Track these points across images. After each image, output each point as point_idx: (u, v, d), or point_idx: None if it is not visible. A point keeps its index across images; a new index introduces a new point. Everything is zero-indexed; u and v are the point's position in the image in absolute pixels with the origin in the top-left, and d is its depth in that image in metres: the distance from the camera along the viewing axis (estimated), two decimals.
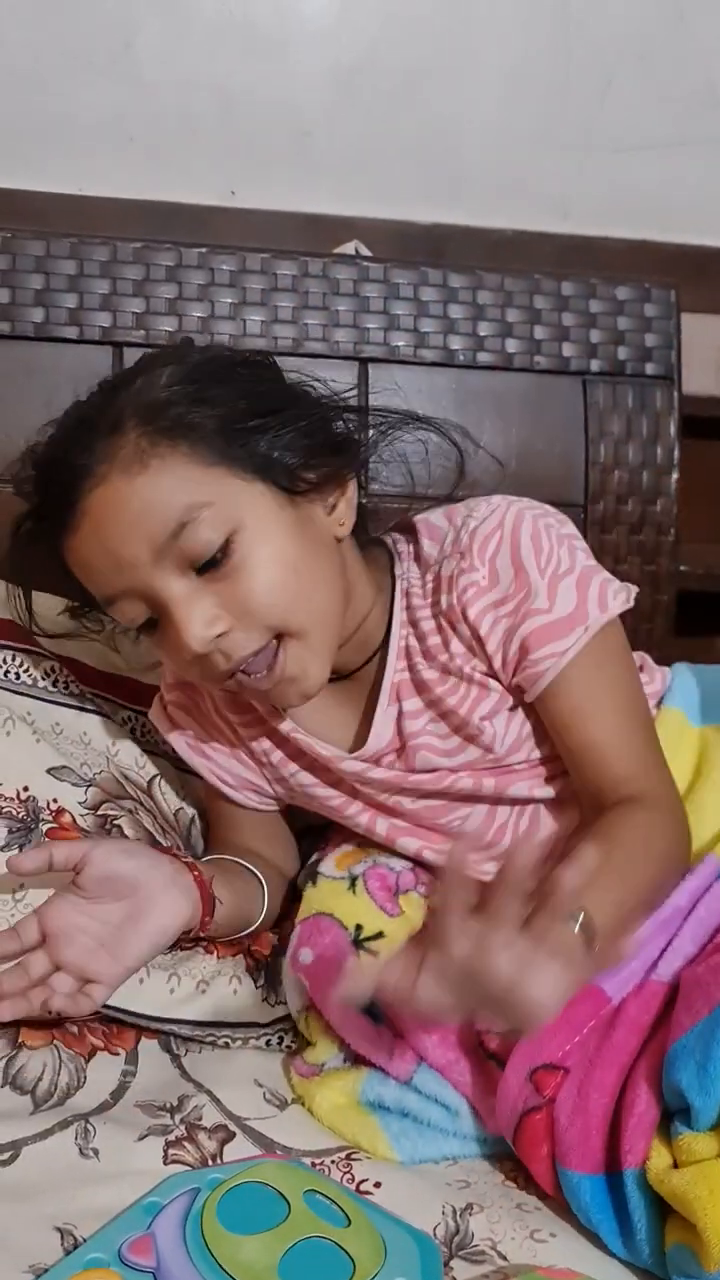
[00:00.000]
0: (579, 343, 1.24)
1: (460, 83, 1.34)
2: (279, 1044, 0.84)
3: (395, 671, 0.82)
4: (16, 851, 0.84)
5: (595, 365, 1.24)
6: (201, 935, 0.82)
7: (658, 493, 1.24)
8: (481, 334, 1.23)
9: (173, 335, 1.16)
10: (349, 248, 1.27)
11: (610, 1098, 0.67)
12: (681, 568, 1.26)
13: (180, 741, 0.92)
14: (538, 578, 0.77)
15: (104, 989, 0.73)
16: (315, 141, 1.33)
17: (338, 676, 0.84)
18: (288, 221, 1.32)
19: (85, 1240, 0.64)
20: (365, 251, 1.26)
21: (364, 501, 0.87)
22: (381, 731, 0.83)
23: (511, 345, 1.23)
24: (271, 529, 0.74)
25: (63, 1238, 0.64)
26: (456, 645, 0.80)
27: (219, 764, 0.91)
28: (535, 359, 1.23)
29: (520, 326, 1.23)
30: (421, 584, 0.82)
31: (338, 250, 1.27)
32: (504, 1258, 0.67)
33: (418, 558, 0.84)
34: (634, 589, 0.82)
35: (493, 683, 0.80)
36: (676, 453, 1.25)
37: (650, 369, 1.25)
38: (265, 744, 0.88)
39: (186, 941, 0.83)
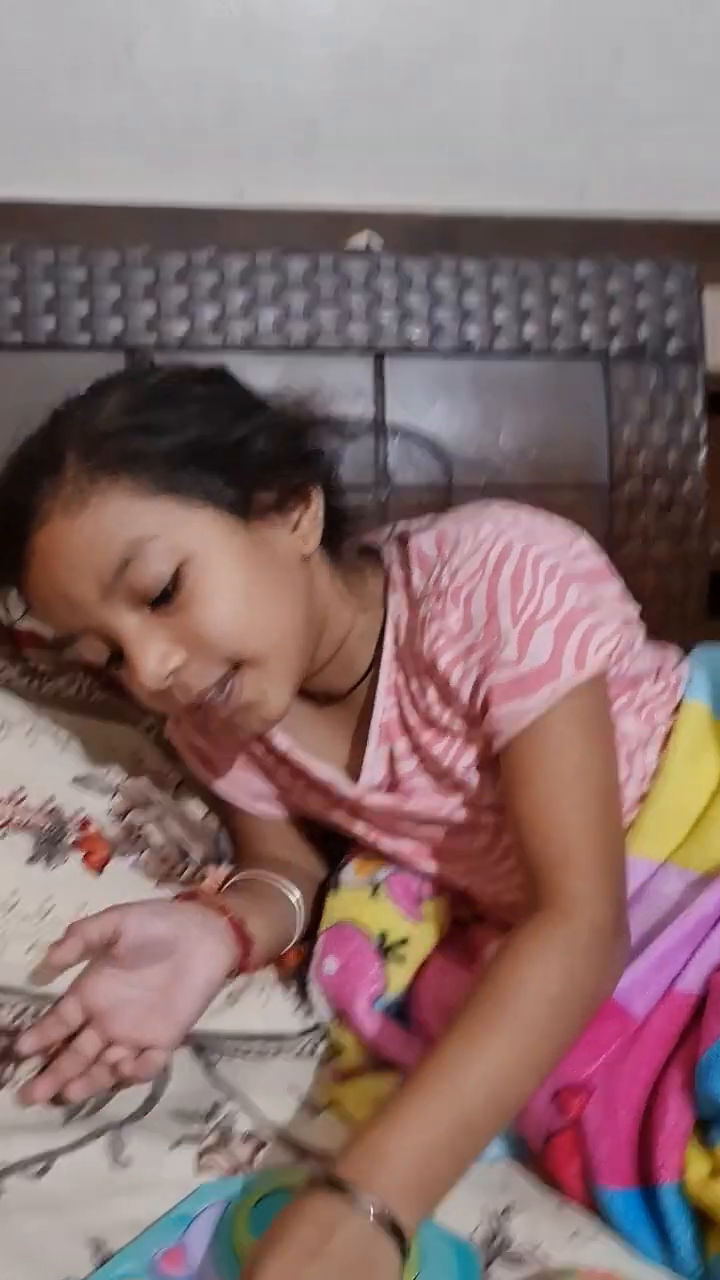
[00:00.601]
0: (598, 324, 1.22)
1: (467, 65, 1.32)
2: (311, 1053, 0.83)
3: (384, 710, 0.79)
4: (42, 864, 0.84)
5: (616, 346, 1.22)
6: (243, 974, 0.80)
7: (685, 472, 1.22)
8: (498, 321, 1.21)
9: (185, 338, 1.16)
10: (361, 240, 1.25)
11: (637, 1112, 0.65)
12: (713, 547, 1.23)
13: (193, 759, 0.92)
14: (509, 625, 0.70)
15: (163, 1053, 0.73)
16: (322, 135, 1.32)
17: (330, 700, 0.83)
18: (298, 217, 1.31)
19: (117, 1253, 0.64)
20: (377, 242, 1.25)
21: (342, 509, 0.82)
22: (374, 769, 0.80)
23: (529, 331, 1.21)
24: (222, 556, 0.71)
25: (94, 1250, 0.64)
26: (432, 694, 0.76)
27: (232, 779, 0.91)
28: (554, 343, 1.22)
29: (537, 311, 1.22)
30: (409, 620, 0.78)
31: (350, 243, 1.26)
32: (545, 1260, 0.66)
33: (408, 586, 0.79)
34: (632, 628, 0.76)
35: (475, 732, 0.75)
36: (703, 431, 1.22)
37: (673, 347, 1.23)
38: (270, 760, 0.87)
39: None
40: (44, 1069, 0.73)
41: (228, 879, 0.90)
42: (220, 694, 0.72)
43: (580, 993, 0.63)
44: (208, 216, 1.28)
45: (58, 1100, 0.72)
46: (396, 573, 0.80)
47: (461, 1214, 0.68)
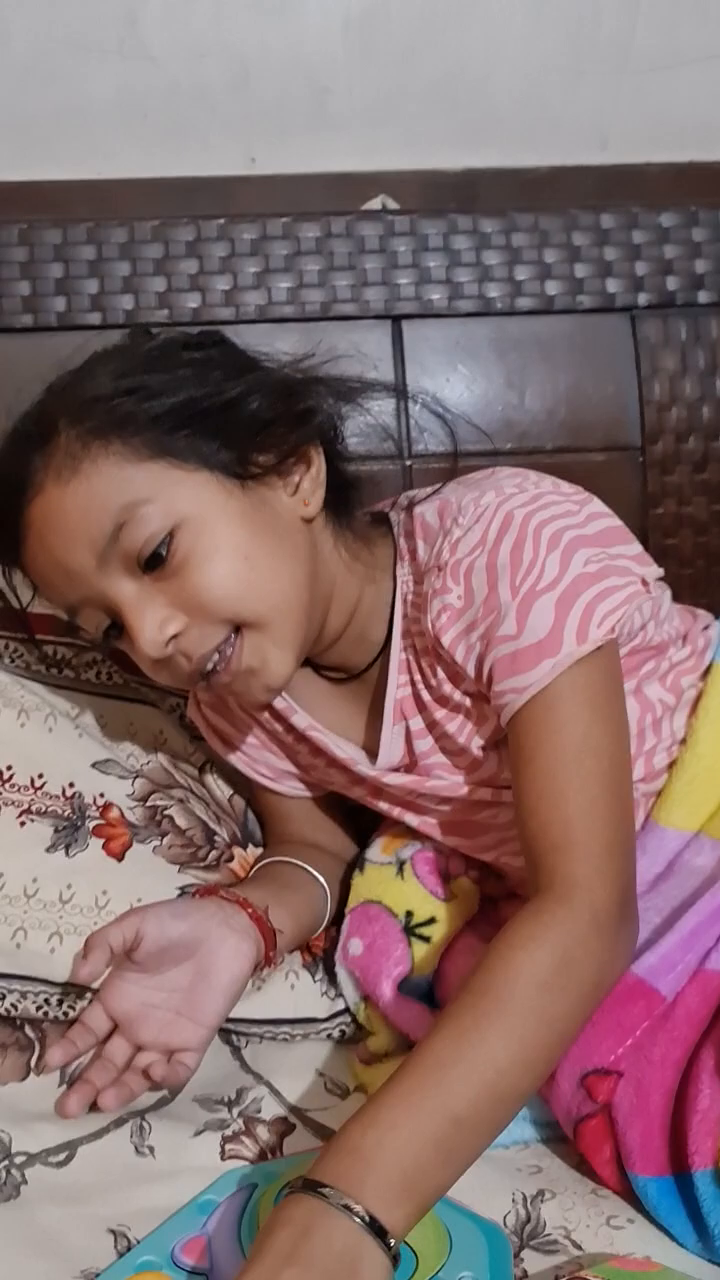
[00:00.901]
0: (623, 277, 1.17)
1: (480, 16, 1.27)
2: (340, 1036, 0.81)
3: (397, 687, 0.77)
4: (62, 851, 0.83)
5: (643, 299, 1.17)
6: (268, 968, 0.78)
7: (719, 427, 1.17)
8: (519, 278, 1.17)
9: (197, 311, 1.13)
10: (375, 204, 1.22)
11: (670, 1097, 0.63)
12: None
13: (214, 738, 0.90)
14: (508, 597, 0.67)
15: (194, 1055, 0.71)
16: (334, 98, 1.28)
17: (347, 676, 0.81)
18: (312, 183, 1.27)
19: (139, 1242, 0.63)
20: (393, 206, 1.21)
21: (351, 473, 0.80)
22: (391, 748, 0.78)
23: (552, 287, 1.17)
24: (218, 518, 0.69)
25: (116, 1240, 0.63)
26: (442, 671, 0.74)
27: (254, 758, 0.89)
28: (578, 299, 1.17)
29: (559, 266, 1.17)
30: (415, 595, 0.75)
31: (364, 208, 1.22)
32: (579, 1247, 0.64)
33: (414, 558, 0.76)
34: (654, 591, 0.71)
35: (485, 708, 0.73)
36: None
37: (703, 297, 1.17)
38: (290, 739, 0.86)
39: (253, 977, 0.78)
40: (75, 1081, 0.71)
41: (256, 862, 0.89)
42: (221, 659, 0.70)
43: (577, 980, 0.60)
44: (219, 187, 1.25)
45: (91, 1108, 0.71)
46: (404, 544, 0.78)
47: (493, 1198, 0.66)
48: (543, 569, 0.67)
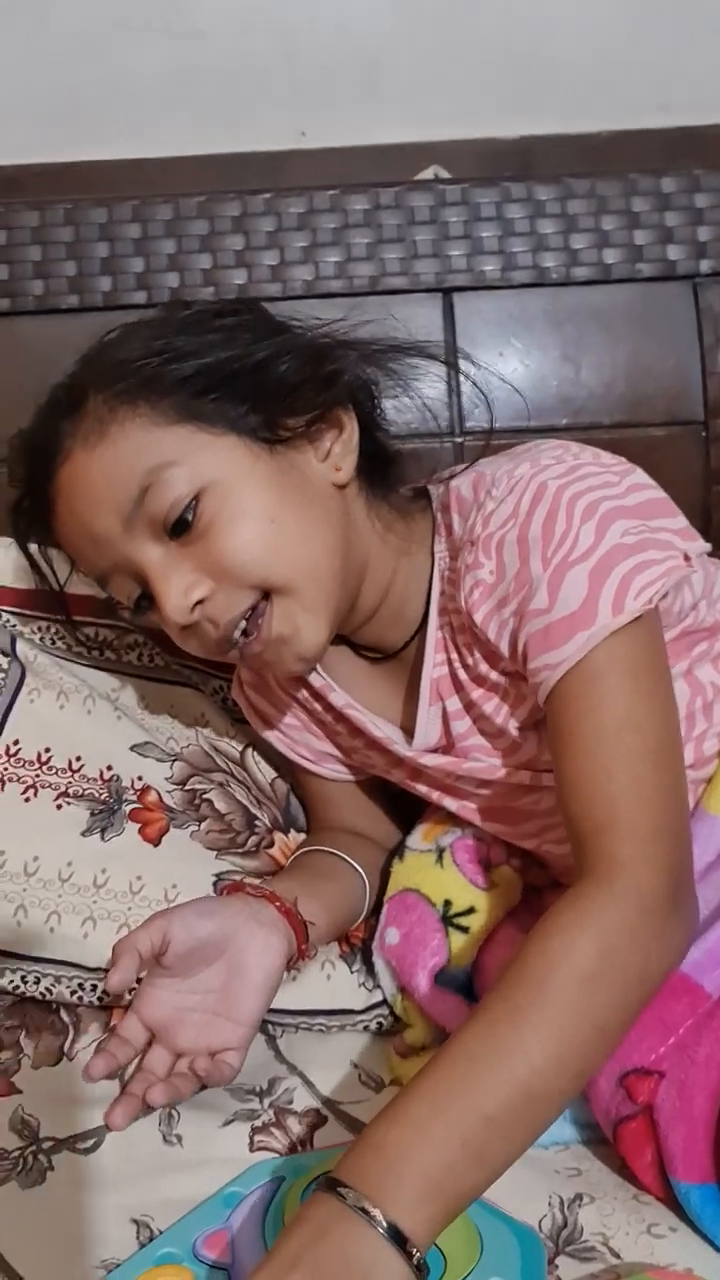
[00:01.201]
0: (685, 243, 1.12)
1: None
2: (377, 1029, 0.79)
3: (434, 666, 0.74)
4: (98, 835, 0.82)
5: (705, 266, 1.12)
6: (303, 961, 0.75)
7: None
8: (575, 247, 1.13)
9: (243, 288, 1.11)
10: (427, 174, 1.19)
11: (715, 1099, 0.59)
12: None
13: (256, 719, 0.89)
14: (539, 570, 0.64)
15: (237, 1054, 0.69)
16: (384, 68, 1.25)
17: (384, 655, 0.78)
18: (363, 155, 1.25)
19: (161, 1233, 0.62)
20: (445, 176, 1.18)
21: (391, 443, 0.78)
22: (428, 730, 0.76)
23: (610, 255, 1.13)
24: (244, 482, 0.68)
25: (139, 1230, 0.62)
26: (477, 651, 0.71)
27: (295, 739, 0.87)
28: (637, 266, 1.12)
29: (618, 233, 1.13)
30: (451, 570, 0.72)
31: (416, 179, 1.19)
32: (617, 1255, 0.61)
33: (450, 533, 0.74)
34: (701, 566, 0.67)
35: (523, 688, 0.69)
36: None
37: None
38: (329, 719, 0.83)
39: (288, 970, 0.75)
40: (120, 1094, 0.68)
41: (296, 851, 0.87)
42: (251, 626, 0.68)
43: (622, 971, 0.55)
44: (268, 162, 1.23)
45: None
46: (440, 519, 0.75)
47: (529, 1200, 0.64)
48: (576, 540, 0.64)
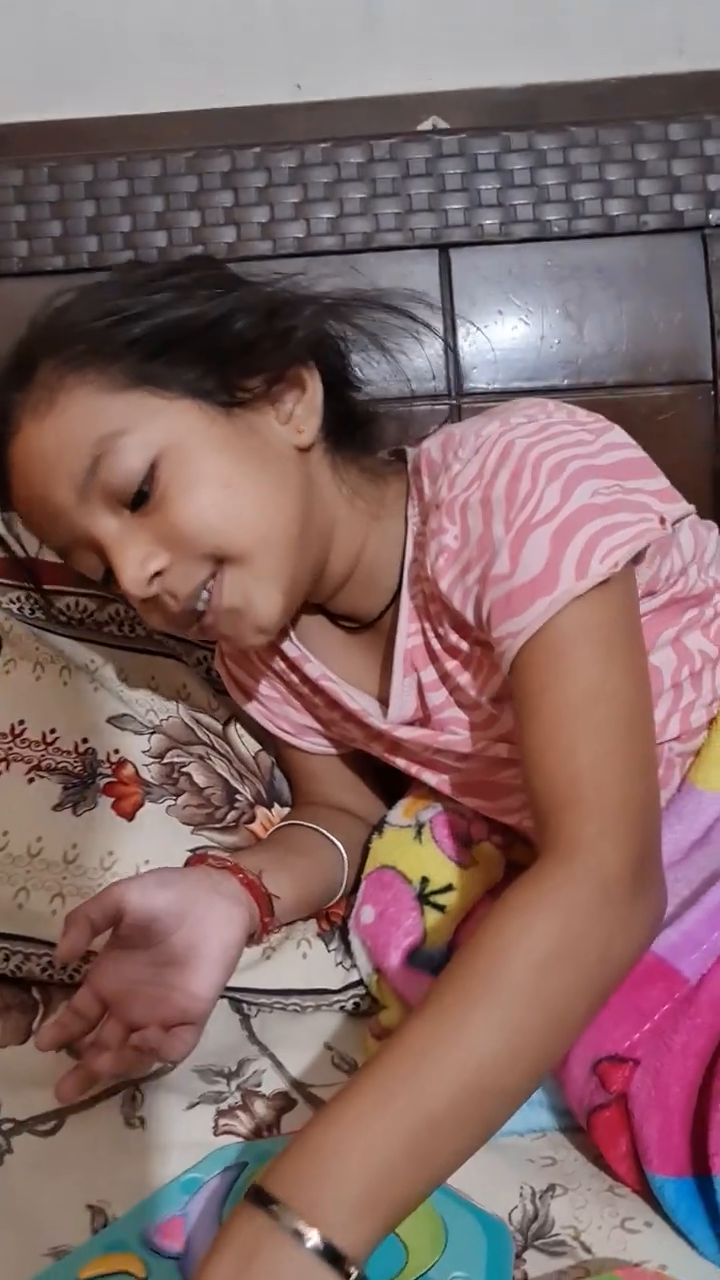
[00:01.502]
0: (694, 193, 1.08)
1: None
2: (354, 1010, 0.76)
3: (408, 636, 0.71)
4: (69, 810, 0.80)
5: (715, 216, 1.07)
6: (266, 935, 0.73)
7: None
8: (578, 198, 1.08)
9: (233, 247, 1.08)
10: (426, 125, 1.14)
11: (692, 1089, 0.56)
12: None
13: (236, 690, 0.86)
14: (501, 533, 0.60)
15: (193, 1029, 0.65)
16: (384, 14, 1.20)
17: (360, 625, 0.75)
18: (361, 108, 1.20)
19: (116, 1219, 0.60)
20: (443, 126, 1.13)
21: (362, 404, 0.74)
22: (403, 702, 0.73)
23: (614, 206, 1.08)
24: (200, 447, 0.65)
25: (94, 1215, 0.60)
26: (447, 620, 0.68)
27: (275, 711, 0.85)
28: (643, 218, 1.08)
29: (623, 184, 1.08)
30: (421, 536, 0.69)
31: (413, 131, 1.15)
32: (588, 1250, 0.58)
33: (421, 498, 0.70)
34: (659, 534, 0.61)
35: (494, 658, 0.65)
36: None
37: None
38: (306, 691, 0.81)
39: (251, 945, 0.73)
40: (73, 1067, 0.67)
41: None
42: (206, 599, 0.65)
43: (581, 956, 0.51)
44: (262, 117, 1.19)
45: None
46: (413, 482, 0.72)
47: (499, 1190, 0.61)
48: (540, 500, 0.60)
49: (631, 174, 1.08)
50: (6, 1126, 0.66)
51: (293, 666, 0.79)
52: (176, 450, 0.64)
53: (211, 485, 0.64)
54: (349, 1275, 0.45)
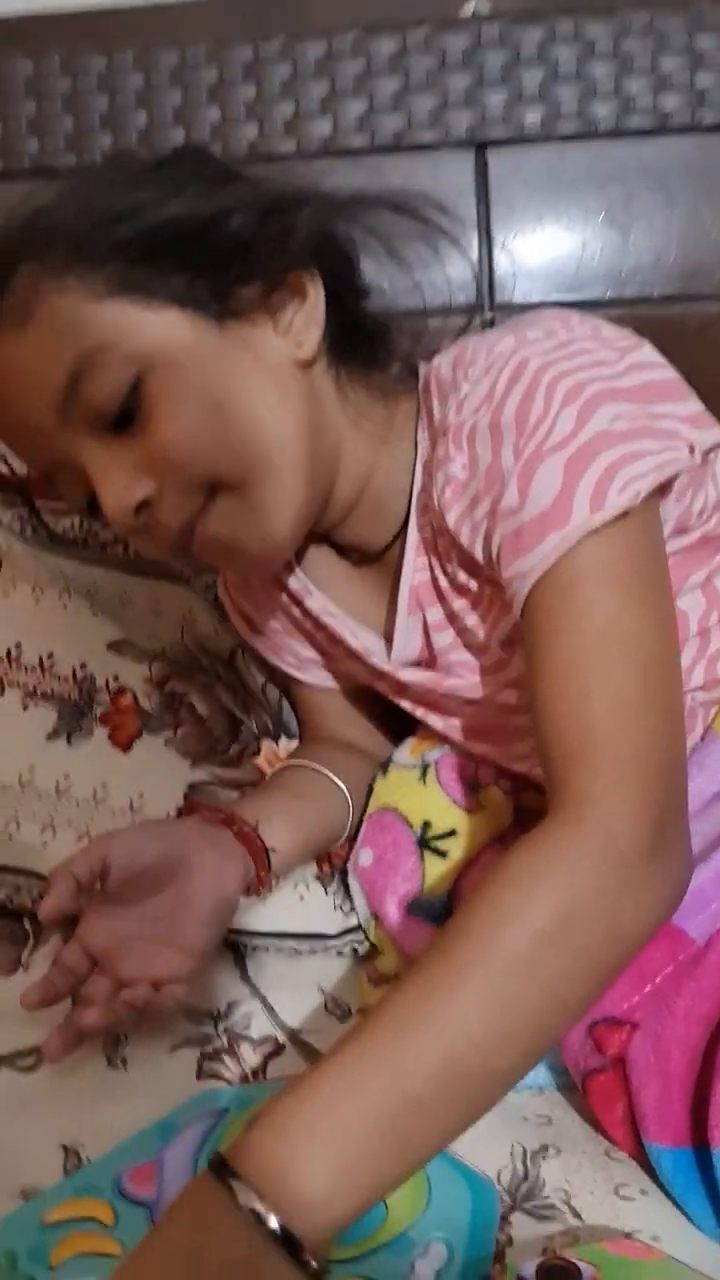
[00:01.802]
0: None
1: None
2: (352, 955, 0.74)
3: (414, 571, 0.66)
4: (63, 740, 0.77)
5: None
6: (263, 889, 0.70)
7: None
8: (629, 92, 1.00)
9: (255, 145, 1.01)
10: (466, 11, 1.05)
11: (694, 1056, 0.53)
12: None
13: (240, 621, 0.82)
14: (510, 462, 0.55)
15: (183, 986, 0.62)
16: None
17: (367, 559, 0.70)
18: None
19: (89, 1161, 0.58)
20: (486, 8, 1.04)
21: (362, 314, 0.68)
22: (408, 642, 0.68)
23: (667, 101, 0.99)
24: (190, 362, 0.59)
25: (67, 1156, 0.59)
26: (455, 556, 0.63)
27: (278, 644, 0.80)
28: (699, 114, 0.99)
29: (678, 75, 0.99)
30: (430, 462, 0.64)
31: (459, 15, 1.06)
32: (578, 1215, 0.55)
33: (431, 421, 0.65)
34: (688, 463, 0.56)
35: (504, 598, 0.60)
36: None
37: None
38: (309, 625, 0.76)
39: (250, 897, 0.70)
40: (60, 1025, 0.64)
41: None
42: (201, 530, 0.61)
43: (587, 929, 0.46)
44: (292, 4, 1.11)
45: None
46: (423, 401, 0.66)
47: (489, 1147, 0.58)
48: (553, 426, 0.54)
49: (688, 65, 0.99)
50: None
51: (295, 599, 0.75)
52: (164, 367, 0.58)
53: (202, 405, 0.59)
54: (306, 1264, 0.41)
